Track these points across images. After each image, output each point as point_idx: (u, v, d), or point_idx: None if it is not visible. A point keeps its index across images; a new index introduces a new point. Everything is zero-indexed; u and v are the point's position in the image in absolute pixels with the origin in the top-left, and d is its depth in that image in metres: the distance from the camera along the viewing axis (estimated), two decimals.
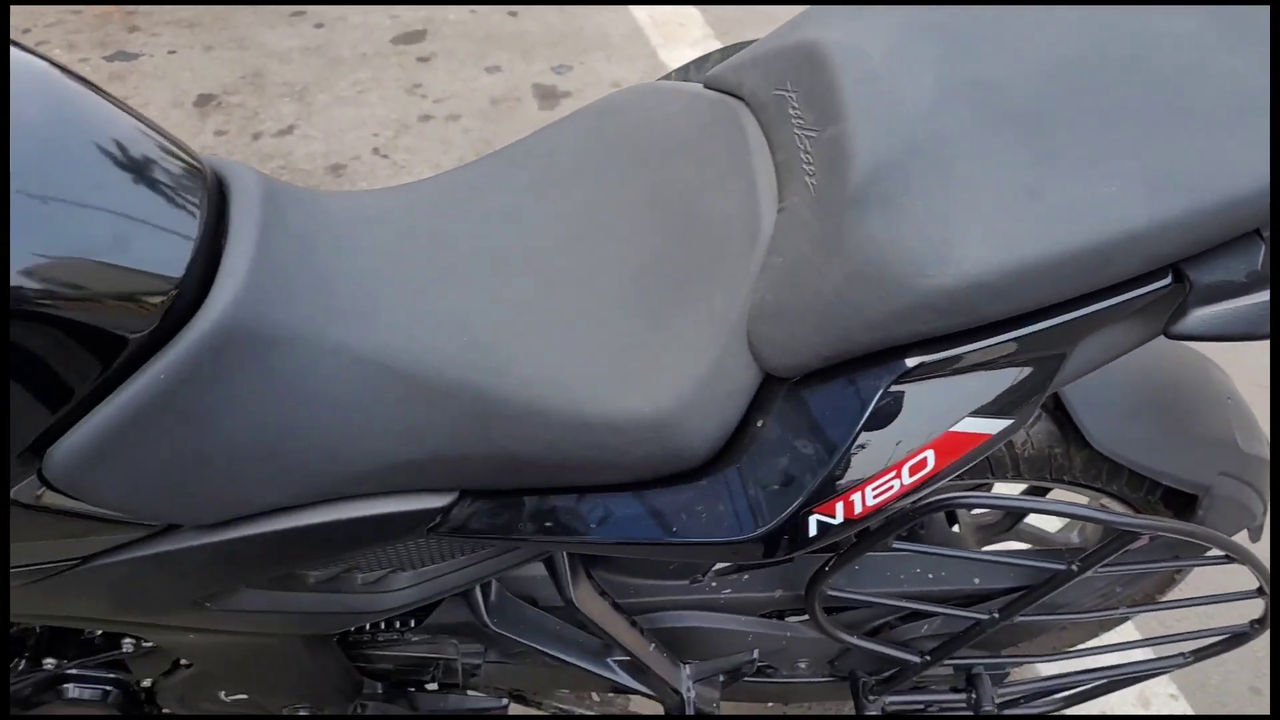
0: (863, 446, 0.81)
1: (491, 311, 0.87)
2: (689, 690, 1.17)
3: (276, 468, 0.84)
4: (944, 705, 1.30)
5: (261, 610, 0.97)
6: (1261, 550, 1.16)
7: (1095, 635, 1.49)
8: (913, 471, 0.82)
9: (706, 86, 1.00)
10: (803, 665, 1.28)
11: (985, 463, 1.14)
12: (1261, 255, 0.78)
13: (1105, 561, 1.08)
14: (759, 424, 0.85)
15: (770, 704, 1.71)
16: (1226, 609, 1.24)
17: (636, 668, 1.14)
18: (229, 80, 3.06)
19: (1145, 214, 0.74)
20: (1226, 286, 0.79)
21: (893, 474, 0.82)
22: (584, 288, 0.88)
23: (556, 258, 0.90)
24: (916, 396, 0.81)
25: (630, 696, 1.39)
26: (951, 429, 0.81)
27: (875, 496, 0.82)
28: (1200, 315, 0.79)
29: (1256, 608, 1.20)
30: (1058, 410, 1.14)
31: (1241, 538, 1.16)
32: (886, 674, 1.27)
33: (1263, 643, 1.61)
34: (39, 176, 0.73)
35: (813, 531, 0.83)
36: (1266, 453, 1.20)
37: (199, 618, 0.96)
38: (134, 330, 0.76)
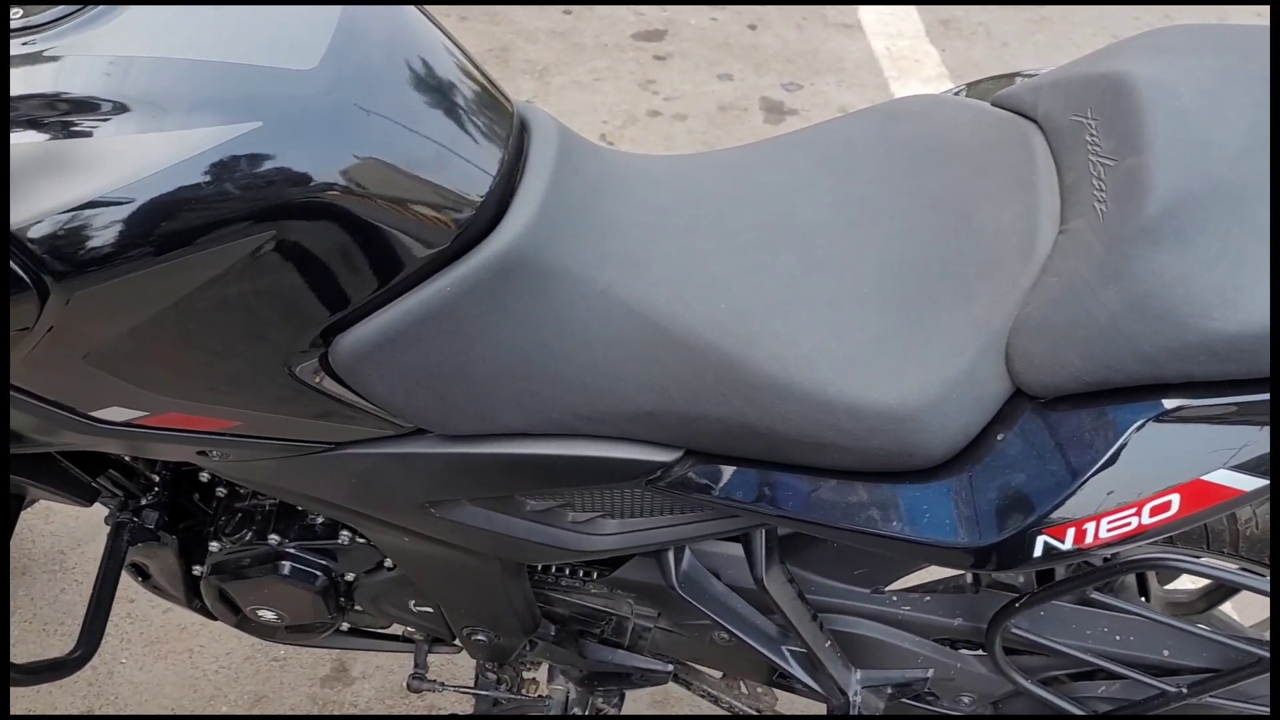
0: (1106, 478, 0.81)
1: (753, 282, 0.90)
2: (856, 694, 1.17)
3: (525, 393, 0.90)
4: None
5: (477, 526, 1.03)
6: None
7: None
8: (1154, 513, 0.81)
9: (994, 104, 1.01)
10: (965, 700, 1.27)
11: (1202, 534, 1.11)
12: None
13: None
14: (999, 436, 0.85)
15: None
16: None
17: (810, 661, 1.16)
18: (476, 50, 3.22)
19: None
20: None
21: (1132, 511, 0.81)
22: (846, 273, 0.91)
23: (824, 241, 0.93)
24: (1172, 438, 0.80)
25: (776, 697, 1.40)
26: (1203, 477, 0.80)
27: (1109, 530, 0.82)
28: None
29: None
30: None
31: None
32: None
33: None
34: (375, 90, 0.81)
35: (1037, 551, 0.83)
36: None
37: (420, 521, 1.03)
38: (430, 243, 0.83)
